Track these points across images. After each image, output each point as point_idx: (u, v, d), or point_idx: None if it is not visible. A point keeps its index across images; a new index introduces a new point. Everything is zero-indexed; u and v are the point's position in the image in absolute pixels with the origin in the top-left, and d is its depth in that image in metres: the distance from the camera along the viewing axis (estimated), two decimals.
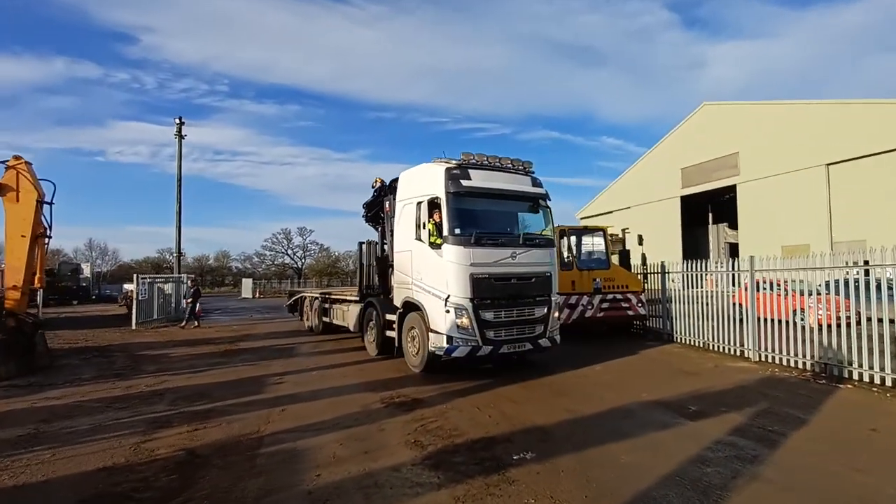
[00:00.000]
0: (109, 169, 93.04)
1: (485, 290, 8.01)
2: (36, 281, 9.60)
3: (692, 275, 11.22)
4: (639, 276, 13.19)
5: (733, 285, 10.42)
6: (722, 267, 10.73)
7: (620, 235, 15.76)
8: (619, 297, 12.38)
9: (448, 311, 7.86)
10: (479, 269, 7.99)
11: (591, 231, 12.99)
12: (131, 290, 17.83)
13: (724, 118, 32.88)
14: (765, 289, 9.76)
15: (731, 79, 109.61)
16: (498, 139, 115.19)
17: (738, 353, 10.05)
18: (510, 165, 8.92)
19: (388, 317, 9.55)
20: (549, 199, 9.13)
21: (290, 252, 76.45)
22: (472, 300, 7.89)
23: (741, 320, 10.02)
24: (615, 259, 13.43)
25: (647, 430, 5.49)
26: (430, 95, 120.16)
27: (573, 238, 12.64)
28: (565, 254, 12.34)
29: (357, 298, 11.30)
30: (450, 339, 7.85)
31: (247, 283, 50.11)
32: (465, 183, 8.14)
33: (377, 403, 6.72)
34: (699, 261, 11.15)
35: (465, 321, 7.82)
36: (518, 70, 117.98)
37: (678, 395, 6.98)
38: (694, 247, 36.70)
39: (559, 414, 6.16)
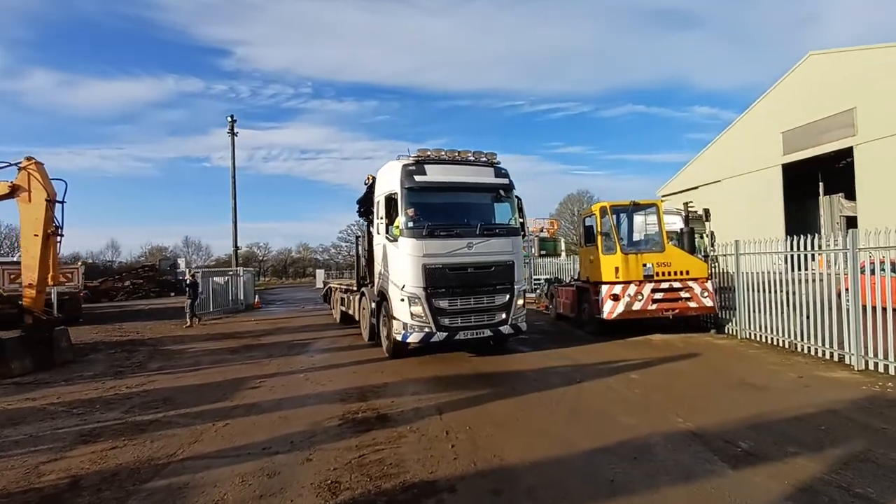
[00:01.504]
0: (213, 172, 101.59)
1: (438, 280, 8.35)
2: (49, 279, 9.73)
3: (790, 256, 8.80)
4: (705, 259, 10.81)
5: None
6: (830, 244, 8.22)
7: (699, 212, 13.20)
8: (676, 285, 10.19)
9: (402, 300, 8.35)
10: (432, 259, 8.33)
11: (640, 207, 10.82)
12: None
13: (836, 69, 27.39)
14: (882, 271, 7.24)
15: (848, 33, 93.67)
16: (576, 118, 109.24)
17: (834, 358, 7.65)
18: (471, 158, 9.09)
19: (372, 305, 9.94)
20: (513, 189, 9.16)
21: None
22: (425, 289, 8.28)
23: (842, 313, 7.59)
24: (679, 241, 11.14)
25: (657, 484, 3.83)
26: (506, 80, 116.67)
27: (617, 217, 10.60)
28: (606, 235, 10.39)
29: (355, 288, 11.77)
30: (405, 325, 8.34)
31: (320, 274, 52.06)
32: (418, 178, 8.50)
33: (334, 420, 5.63)
34: (799, 237, 8.71)
35: (418, 309, 8.26)
36: (600, 44, 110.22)
37: (729, 423, 5.11)
38: (801, 222, 31.43)
39: (544, 447, 4.64)
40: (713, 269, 10.84)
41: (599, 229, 10.60)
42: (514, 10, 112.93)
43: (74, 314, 19.14)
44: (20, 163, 9.67)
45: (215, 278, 20.58)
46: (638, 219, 11.18)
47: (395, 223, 8.57)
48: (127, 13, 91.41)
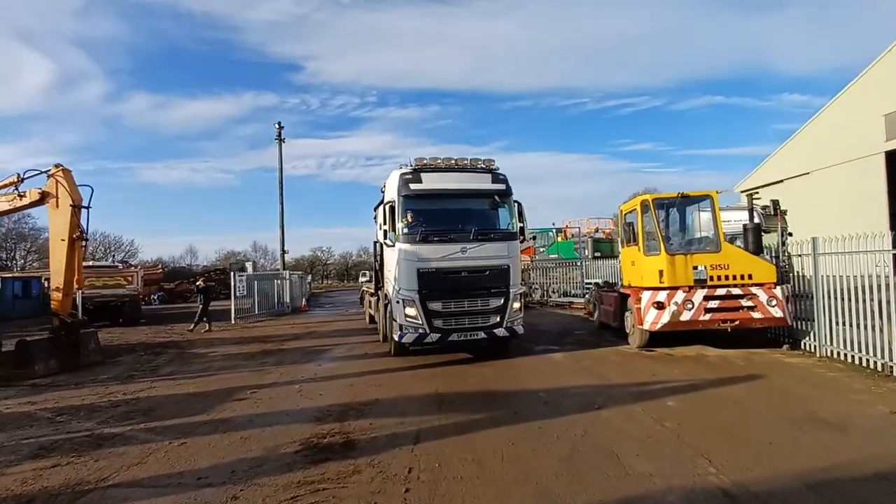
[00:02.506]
0: (290, 182, 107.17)
1: (432, 283, 8.64)
2: (75, 283, 9.97)
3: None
4: (775, 261, 9.05)
5: None
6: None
7: (771, 210, 11.24)
8: (736, 291, 8.56)
9: (398, 302, 8.73)
10: (426, 263, 8.65)
11: (690, 200, 9.25)
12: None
13: None
14: None
15: None
16: (646, 113, 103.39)
17: None
18: (467, 165, 9.31)
19: (381, 308, 10.46)
20: (510, 194, 9.24)
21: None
22: (419, 292, 8.61)
23: None
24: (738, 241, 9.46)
25: None
26: (569, 77, 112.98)
27: (663, 212, 9.14)
28: (648, 233, 8.98)
29: (372, 291, 12.52)
30: (401, 326, 8.70)
31: (363, 277, 52.79)
32: (413, 186, 8.86)
33: (294, 445, 4.93)
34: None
35: (412, 311, 8.60)
36: (671, 33, 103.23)
37: (781, 478, 3.81)
38: None
39: (515, 502, 3.63)
40: (786, 272, 9.05)
41: (641, 227, 9.20)
42: (574, 3, 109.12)
43: (135, 316, 20.28)
44: (49, 170, 10.00)
45: (260, 282, 20.95)
46: (689, 214, 9.61)
47: (395, 229, 8.95)
48: (210, 37, 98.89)
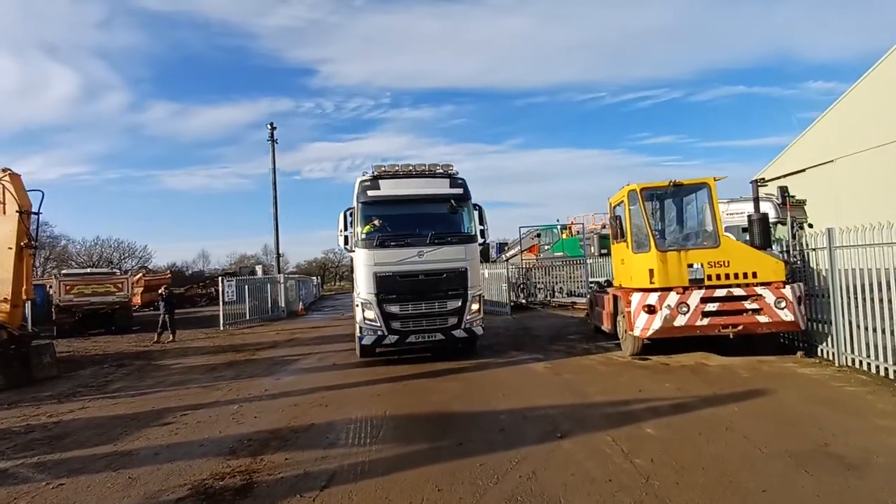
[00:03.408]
0: (302, 185, 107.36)
1: (389, 287, 8.80)
2: (22, 293, 9.40)
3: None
4: (785, 257, 7.94)
5: None
6: None
7: (778, 198, 10.10)
8: (738, 292, 7.47)
9: (358, 306, 9.00)
10: (383, 268, 8.81)
11: (686, 189, 8.17)
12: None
13: None
14: None
15: None
16: (665, 106, 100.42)
17: None
18: (426, 171, 9.47)
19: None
20: (468, 199, 9.39)
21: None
22: (376, 295, 8.77)
23: None
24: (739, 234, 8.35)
25: None
26: (584, 71, 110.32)
27: (653, 202, 8.10)
28: (636, 227, 7.95)
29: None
30: (361, 328, 8.94)
31: None
32: (371, 193, 9.11)
33: (181, 490, 4.10)
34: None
35: (371, 314, 8.79)
36: (689, 22, 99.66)
37: None
38: None
39: None
40: (796, 268, 7.93)
41: (629, 220, 8.18)
42: None
43: (126, 323, 19.89)
44: None
45: (251, 287, 20.35)
46: (684, 205, 8.54)
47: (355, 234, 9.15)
48: (226, 44, 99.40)
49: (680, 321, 7.46)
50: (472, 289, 9.04)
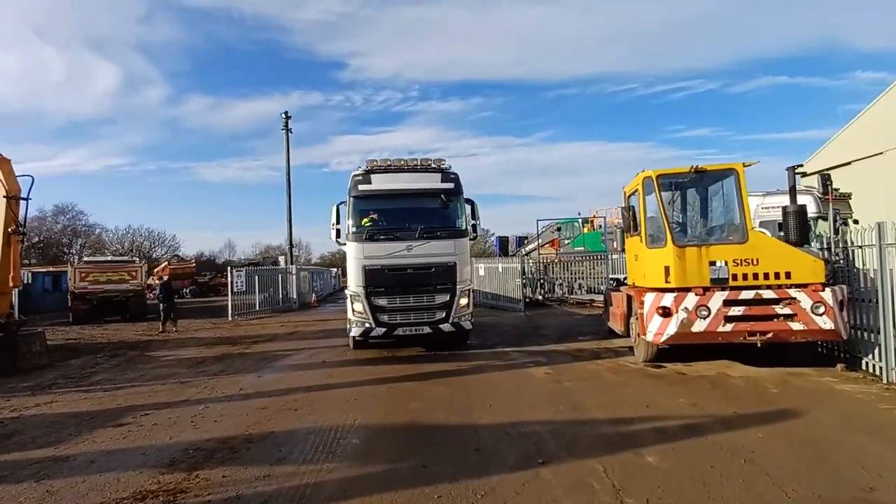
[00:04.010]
0: (330, 177, 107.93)
1: (377, 280, 8.85)
2: (10, 280, 9.18)
3: None
4: (825, 255, 6.90)
5: None
6: None
7: (820, 188, 8.93)
8: (769, 294, 6.50)
9: (348, 298, 9.16)
10: (372, 261, 8.88)
11: (710, 176, 7.18)
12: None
13: None
14: None
15: None
16: (701, 97, 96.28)
17: None
18: (418, 165, 9.44)
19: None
20: (459, 193, 9.36)
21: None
22: (365, 288, 8.83)
23: None
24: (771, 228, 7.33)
25: None
26: (616, 62, 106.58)
27: (673, 192, 7.17)
28: (651, 219, 7.05)
29: None
30: (350, 321, 9.10)
31: None
32: (362, 187, 9.16)
33: None
34: None
35: (359, 306, 8.86)
36: (728, 10, 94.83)
37: None
38: None
39: None
40: (838, 268, 6.89)
41: (643, 211, 7.28)
42: None
43: (140, 311, 20.00)
44: None
45: (261, 278, 20.11)
46: (708, 195, 7.56)
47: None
48: (260, 38, 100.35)
49: (699, 326, 6.56)
50: (461, 283, 9.04)
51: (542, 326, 12.95)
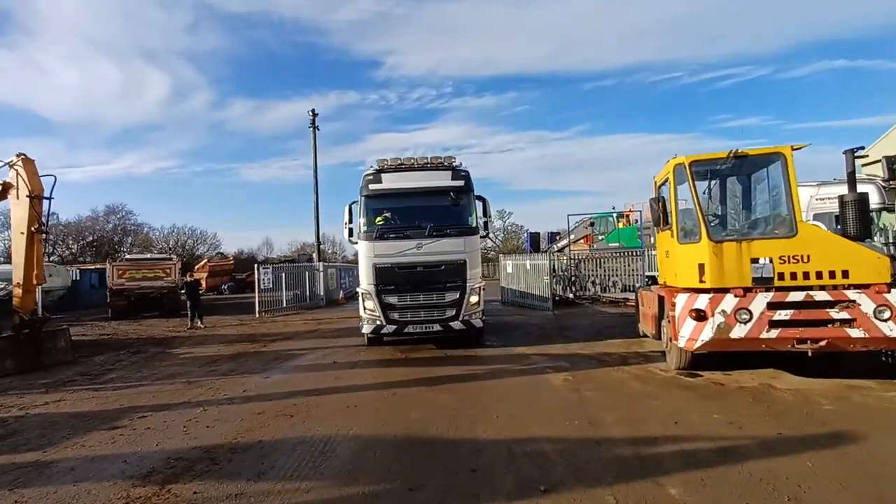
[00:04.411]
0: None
1: (388, 278, 8.97)
2: (34, 278, 9.35)
3: None
4: (889, 250, 5.97)
5: None
6: None
7: (886, 172, 7.91)
8: (822, 297, 5.67)
9: (360, 296, 9.31)
10: (383, 259, 8.99)
11: (752, 162, 6.34)
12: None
13: None
14: None
15: None
16: (750, 84, 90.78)
17: None
18: (428, 164, 9.45)
19: None
20: (470, 190, 9.36)
21: (490, 236, 76.69)
22: (376, 286, 8.96)
23: None
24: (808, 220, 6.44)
25: None
26: (658, 50, 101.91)
27: (709, 181, 6.40)
28: (684, 211, 6.31)
29: None
30: (362, 318, 9.23)
31: None
32: (373, 186, 9.23)
33: None
34: None
35: (370, 304, 9.00)
36: None
37: None
38: None
39: None
40: None
41: (674, 202, 6.55)
42: None
43: (174, 307, 20.51)
44: (11, 161, 9.45)
45: (288, 275, 20.18)
46: (752, 183, 6.73)
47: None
48: (299, 41, 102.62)
49: (738, 332, 5.80)
50: (471, 281, 9.03)
51: (568, 327, 12.25)
